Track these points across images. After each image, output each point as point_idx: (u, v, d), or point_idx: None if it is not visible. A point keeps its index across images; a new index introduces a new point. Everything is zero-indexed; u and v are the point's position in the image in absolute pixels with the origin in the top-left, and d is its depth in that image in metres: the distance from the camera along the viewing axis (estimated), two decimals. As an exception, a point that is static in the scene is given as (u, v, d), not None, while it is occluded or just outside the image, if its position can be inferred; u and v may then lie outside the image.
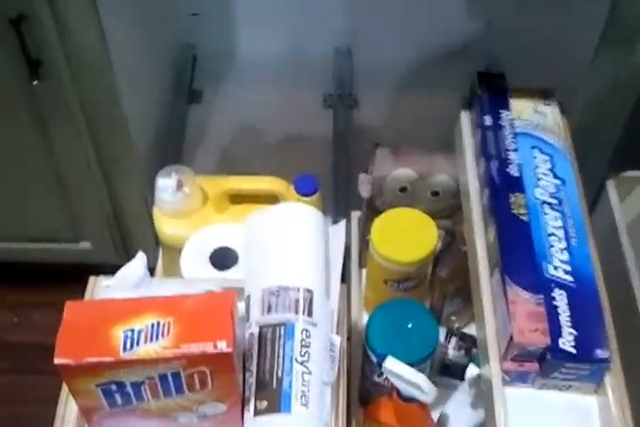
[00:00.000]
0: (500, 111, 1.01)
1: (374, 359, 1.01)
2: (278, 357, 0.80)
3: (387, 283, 1.11)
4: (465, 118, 1.05)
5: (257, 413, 0.78)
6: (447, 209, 1.15)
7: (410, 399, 0.93)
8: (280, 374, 0.79)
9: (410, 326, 1.02)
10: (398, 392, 0.94)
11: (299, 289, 0.83)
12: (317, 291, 0.84)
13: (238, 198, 1.14)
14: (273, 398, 0.78)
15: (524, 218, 0.90)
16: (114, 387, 0.73)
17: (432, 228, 1.08)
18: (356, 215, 1.29)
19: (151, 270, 1.08)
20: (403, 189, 1.13)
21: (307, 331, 0.81)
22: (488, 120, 1.00)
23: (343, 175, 1.48)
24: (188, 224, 1.11)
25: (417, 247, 1.07)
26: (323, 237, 0.90)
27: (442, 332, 1.10)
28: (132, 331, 0.72)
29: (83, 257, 1.36)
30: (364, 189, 1.14)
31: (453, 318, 1.16)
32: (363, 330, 1.08)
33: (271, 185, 1.12)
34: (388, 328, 1.02)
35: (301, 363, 0.80)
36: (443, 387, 1.05)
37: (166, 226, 1.13)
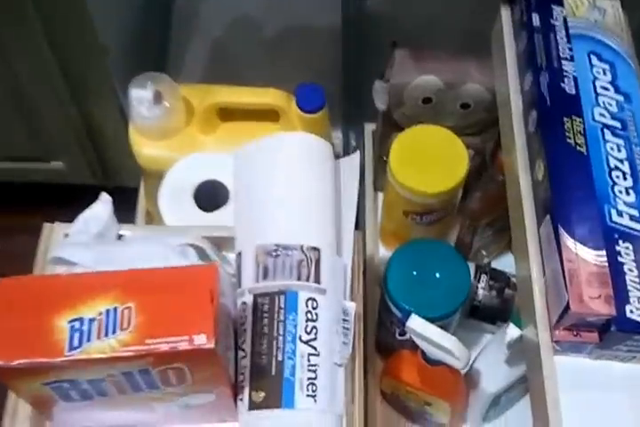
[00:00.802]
0: (552, 7, 0.82)
1: (395, 312, 0.87)
2: (278, 335, 0.68)
3: (407, 215, 0.98)
4: (506, 16, 0.87)
5: (253, 406, 0.67)
6: (478, 124, 1.00)
7: (438, 363, 0.80)
8: (280, 357, 0.67)
9: (437, 272, 0.90)
10: (424, 354, 0.81)
11: (302, 247, 0.70)
12: (326, 248, 0.71)
13: (230, 115, 0.99)
14: (272, 388, 0.66)
15: (582, 149, 0.73)
16: (66, 385, 0.60)
17: (462, 151, 0.95)
18: (369, 128, 1.11)
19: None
20: (426, 100, 0.97)
21: (313, 301, 0.69)
22: (536, 19, 0.82)
23: (354, 79, 1.28)
24: (170, 146, 0.97)
25: (444, 176, 0.93)
26: (331, 176, 0.77)
27: (471, 267, 0.96)
28: (81, 321, 0.57)
29: (57, 177, 1.24)
30: (381, 100, 0.97)
31: (484, 252, 1.03)
32: (379, 266, 0.99)
33: (270, 98, 0.96)
34: (411, 276, 0.90)
35: (307, 342, 0.68)
36: (471, 329, 0.99)
37: (144, 148, 0.98)
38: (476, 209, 0.96)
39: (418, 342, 0.79)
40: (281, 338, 0.68)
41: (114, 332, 0.56)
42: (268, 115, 0.96)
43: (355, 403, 0.71)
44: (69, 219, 0.76)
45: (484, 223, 0.97)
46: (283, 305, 0.69)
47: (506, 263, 1.06)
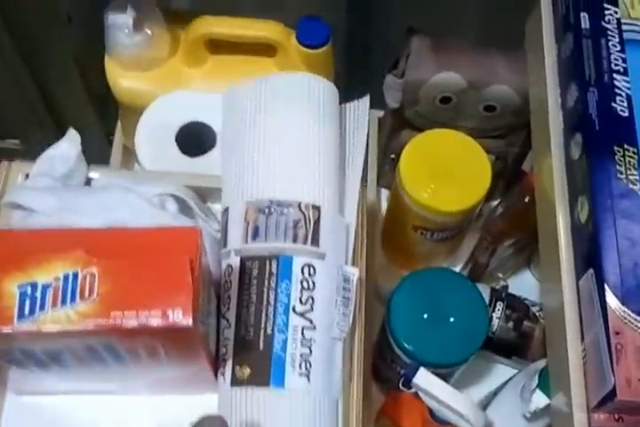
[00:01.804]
0: (605, 6, 0.70)
1: (399, 353, 0.78)
2: (268, 304, 0.60)
3: (416, 230, 0.87)
4: (547, 12, 0.73)
5: (236, 382, 0.58)
6: (503, 128, 0.86)
7: (447, 422, 0.69)
8: (270, 330, 0.59)
9: (450, 309, 0.79)
10: (431, 411, 0.70)
11: (300, 205, 0.62)
12: (327, 206, 0.63)
13: (220, 47, 0.86)
14: (259, 364, 0.58)
15: (636, 187, 0.62)
16: (19, 355, 0.53)
17: (485, 163, 0.83)
18: (375, 116, 0.98)
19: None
20: (445, 100, 0.84)
21: (310, 267, 0.61)
22: (585, 20, 0.69)
23: (361, 22, 1.10)
24: (152, 78, 0.85)
25: (463, 191, 0.82)
26: (335, 123, 0.67)
27: (484, 292, 0.85)
28: (34, 286, 0.49)
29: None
30: (393, 97, 0.86)
31: (500, 274, 0.93)
32: (377, 280, 0.90)
33: (267, 31, 0.83)
34: (419, 313, 0.79)
35: (301, 314, 0.60)
36: (485, 360, 0.90)
37: (122, 79, 0.86)
38: (499, 230, 0.85)
39: (425, 399, 0.69)
40: (271, 308, 0.60)
41: (72, 300, 0.48)
42: (264, 50, 0.85)
43: (353, 383, 0.63)
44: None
45: (505, 245, 0.85)
46: (274, 271, 0.61)
47: (522, 283, 0.96)
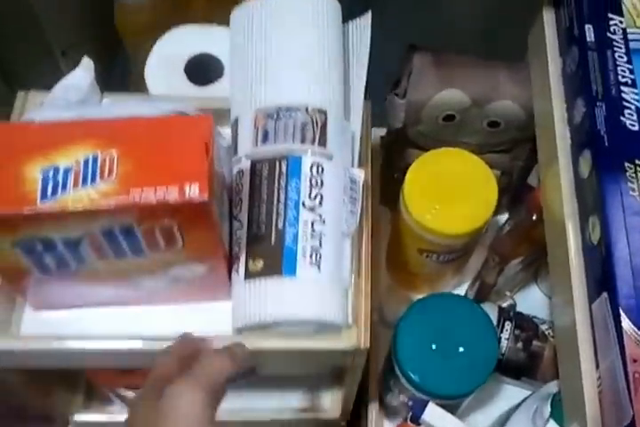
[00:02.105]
0: (610, 16, 0.68)
1: (405, 384, 0.76)
2: (278, 202, 0.62)
3: (422, 253, 0.85)
4: (550, 24, 0.71)
5: (249, 275, 0.60)
6: (507, 143, 0.84)
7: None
8: (281, 224, 0.61)
9: (458, 338, 0.76)
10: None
11: (307, 109, 0.64)
12: (333, 111, 0.65)
13: None
14: (271, 256, 0.60)
15: (649, 206, 0.59)
16: (39, 247, 0.54)
17: (491, 182, 0.81)
18: (377, 134, 0.95)
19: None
20: (449, 118, 0.81)
21: (318, 166, 0.63)
22: (590, 32, 0.67)
23: None
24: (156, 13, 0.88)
25: (470, 213, 0.79)
26: (339, 34, 0.69)
27: (491, 311, 0.82)
28: (56, 170, 0.51)
29: None
30: (396, 118, 0.82)
31: (507, 292, 0.90)
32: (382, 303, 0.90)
33: None
34: (427, 341, 0.76)
35: (311, 209, 0.61)
36: (494, 381, 0.87)
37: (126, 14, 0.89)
38: (508, 250, 0.83)
39: None
40: (282, 205, 0.61)
41: (93, 181, 0.50)
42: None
43: (361, 276, 0.64)
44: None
45: (514, 263, 0.82)
46: (284, 170, 0.62)
47: (530, 299, 0.94)
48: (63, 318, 0.64)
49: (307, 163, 0.62)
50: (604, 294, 0.58)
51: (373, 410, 0.87)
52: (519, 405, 0.82)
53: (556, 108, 0.68)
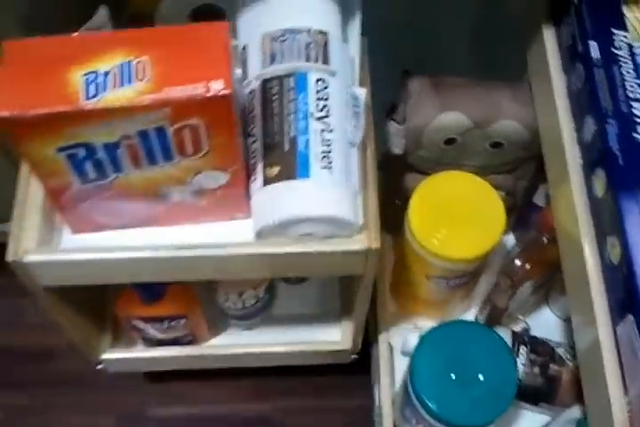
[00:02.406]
0: (613, 31, 0.67)
1: (423, 414, 0.72)
2: (289, 114, 0.65)
3: (429, 279, 0.81)
4: (550, 41, 0.70)
5: (266, 181, 0.64)
6: (510, 163, 0.82)
7: None
8: (293, 133, 0.64)
9: (476, 366, 0.75)
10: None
11: (309, 31, 0.67)
12: (333, 33, 0.68)
13: None
14: (286, 162, 0.63)
15: (667, 224, 0.58)
16: (82, 152, 0.58)
17: (498, 205, 0.80)
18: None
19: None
20: (450, 141, 0.80)
21: (323, 81, 0.66)
22: (595, 49, 0.65)
23: None
24: None
25: (477, 237, 0.78)
26: None
27: (504, 336, 0.80)
28: (96, 74, 0.56)
29: None
30: (396, 144, 0.81)
31: (520, 316, 0.87)
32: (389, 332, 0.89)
33: None
34: (445, 370, 0.74)
35: (319, 119, 0.64)
36: (512, 407, 0.81)
37: None
38: (519, 273, 0.81)
39: None
40: (292, 116, 0.64)
41: (130, 82, 0.55)
42: None
43: (368, 186, 0.68)
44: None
45: (526, 286, 0.81)
46: (292, 85, 0.65)
47: (542, 321, 0.92)
48: (98, 239, 0.69)
49: (312, 78, 0.66)
50: (630, 317, 0.56)
51: (384, 344, 0.88)
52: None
53: (563, 126, 0.67)
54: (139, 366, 0.96)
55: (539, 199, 0.87)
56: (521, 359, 0.82)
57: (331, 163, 0.63)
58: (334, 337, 0.91)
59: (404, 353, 0.88)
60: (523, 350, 0.82)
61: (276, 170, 0.63)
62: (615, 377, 0.56)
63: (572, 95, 0.68)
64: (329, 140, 0.64)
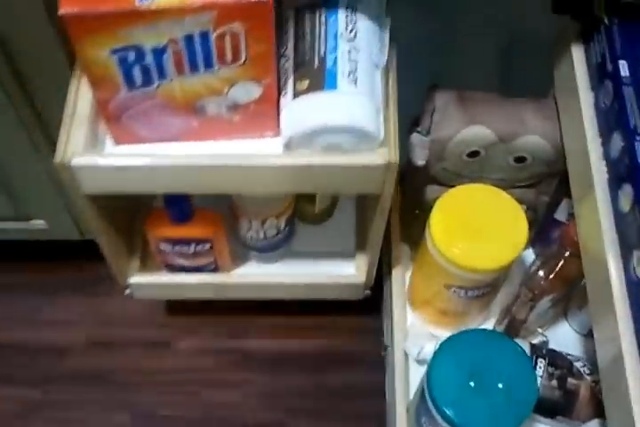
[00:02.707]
0: (645, 51, 0.68)
1: (440, 422, 0.73)
2: (319, 36, 0.70)
3: (449, 288, 0.82)
4: (579, 59, 0.71)
5: (296, 94, 0.69)
6: (533, 178, 0.84)
7: None
8: (323, 51, 0.69)
9: (496, 374, 0.74)
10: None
11: None
12: None
13: None
14: (315, 76, 0.69)
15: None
16: (132, 56, 0.63)
17: (520, 217, 0.80)
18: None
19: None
20: (473, 154, 0.81)
21: (352, 7, 0.71)
22: (624, 68, 0.66)
23: None
24: None
25: (499, 248, 0.79)
26: None
27: (524, 348, 0.81)
28: None
29: (40, 235, 1.07)
30: (419, 155, 0.82)
31: (539, 329, 0.87)
32: (405, 335, 0.90)
33: None
34: (463, 378, 0.74)
35: (348, 40, 0.69)
36: (527, 420, 0.78)
37: None
38: (541, 286, 0.81)
39: None
40: (322, 37, 0.69)
41: None
42: None
43: (389, 108, 0.73)
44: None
45: (546, 299, 0.82)
46: (323, 10, 0.70)
47: (561, 335, 0.91)
48: (138, 151, 0.73)
49: (343, 2, 0.70)
50: None
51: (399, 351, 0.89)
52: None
53: (590, 142, 0.68)
54: (164, 293, 1.02)
55: (560, 215, 0.88)
56: (539, 372, 0.81)
57: (356, 79, 0.68)
58: (350, 272, 0.96)
59: (419, 361, 0.87)
60: (541, 362, 0.82)
61: (305, 83, 0.68)
62: (638, 392, 0.57)
63: (599, 112, 0.69)
64: (355, 60, 0.69)
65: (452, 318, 0.89)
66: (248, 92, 0.69)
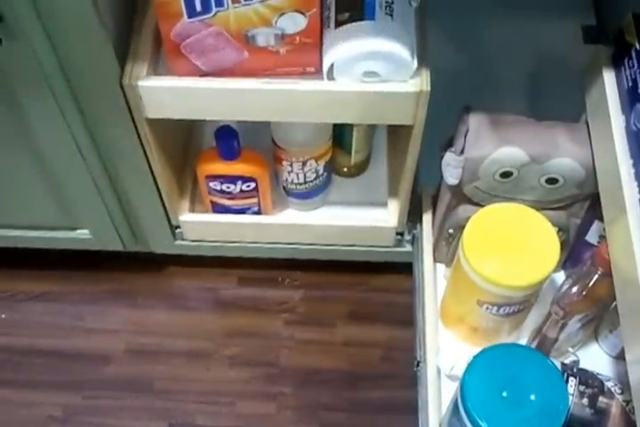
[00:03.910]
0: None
1: None
2: None
3: (481, 305, 0.84)
4: (610, 84, 0.73)
5: (338, 24, 0.76)
6: (564, 200, 0.86)
7: None
8: None
9: (528, 388, 0.76)
10: None
11: None
12: None
13: None
14: (355, 8, 0.76)
15: None
16: None
17: (552, 235, 0.82)
18: (427, 195, 1.01)
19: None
20: (506, 175, 0.84)
21: None
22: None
23: None
24: None
25: (531, 265, 0.81)
26: None
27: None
28: None
29: (84, 245, 1.12)
30: (452, 174, 0.85)
31: (570, 349, 0.88)
32: (438, 351, 0.92)
33: None
34: (496, 390, 0.76)
35: None
36: None
37: None
38: (572, 305, 0.82)
39: None
40: None
41: None
42: None
43: (422, 42, 0.79)
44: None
45: (576, 319, 0.83)
46: None
47: (591, 357, 0.92)
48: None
49: None
50: None
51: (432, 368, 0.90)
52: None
53: (621, 164, 0.70)
54: (211, 233, 1.09)
55: (592, 237, 0.89)
56: (570, 390, 0.82)
57: (393, 11, 0.75)
58: (382, 217, 1.04)
59: (451, 377, 0.89)
60: (572, 381, 0.83)
61: (346, 15, 0.75)
62: None
63: (630, 134, 0.71)
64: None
65: (483, 336, 0.91)
66: (295, 22, 0.75)
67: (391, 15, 0.75)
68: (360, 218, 1.06)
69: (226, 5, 0.73)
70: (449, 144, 0.86)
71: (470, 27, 1.14)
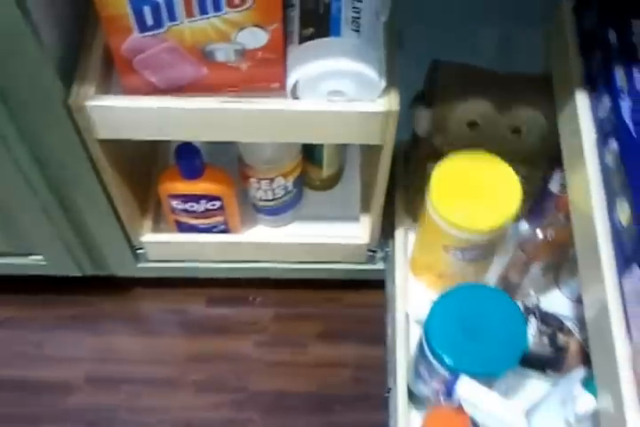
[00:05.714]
0: (631, 21, 0.74)
1: (439, 369, 0.81)
2: None
3: (447, 251, 0.89)
4: (569, 28, 0.79)
5: (302, 40, 0.74)
6: (529, 152, 0.91)
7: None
8: (327, 0, 0.74)
9: (489, 323, 0.82)
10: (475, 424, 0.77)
11: None
12: None
13: None
14: (320, 23, 0.74)
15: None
16: None
17: (514, 180, 0.86)
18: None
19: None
20: (472, 124, 0.88)
21: None
22: (612, 35, 0.72)
23: None
24: None
25: (494, 209, 0.85)
26: None
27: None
28: None
29: (38, 270, 1.11)
30: (422, 127, 0.89)
31: (532, 291, 0.93)
32: (408, 303, 0.97)
33: None
34: (459, 327, 0.81)
35: None
36: (518, 375, 0.91)
37: None
38: (535, 250, 0.87)
39: (468, 409, 0.74)
40: None
41: None
42: None
43: (391, 58, 0.78)
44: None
45: (539, 264, 0.88)
46: None
47: (552, 302, 0.97)
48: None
49: None
50: (635, 267, 0.60)
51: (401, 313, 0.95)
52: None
53: (580, 107, 0.73)
54: (176, 253, 1.07)
55: (554, 186, 0.92)
56: (531, 329, 0.87)
57: (359, 27, 0.73)
58: (354, 233, 1.04)
59: (418, 322, 0.93)
60: (533, 321, 0.88)
61: (310, 30, 0.73)
62: (619, 323, 0.62)
63: (588, 76, 0.74)
64: (358, 8, 0.74)
65: (449, 281, 0.93)
66: (255, 37, 0.73)
67: (358, 31, 0.73)
68: (332, 235, 1.05)
69: (179, 19, 0.70)
70: (419, 97, 0.89)
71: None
